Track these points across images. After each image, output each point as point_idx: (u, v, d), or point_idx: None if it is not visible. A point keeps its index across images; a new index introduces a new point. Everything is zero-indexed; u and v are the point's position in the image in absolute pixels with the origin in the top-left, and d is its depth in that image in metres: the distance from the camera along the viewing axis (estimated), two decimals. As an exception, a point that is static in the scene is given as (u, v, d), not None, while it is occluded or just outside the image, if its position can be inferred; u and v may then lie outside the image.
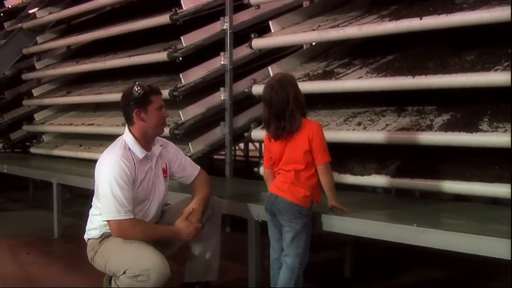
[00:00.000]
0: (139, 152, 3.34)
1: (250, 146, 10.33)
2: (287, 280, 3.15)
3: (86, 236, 3.48)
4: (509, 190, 3.34)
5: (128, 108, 3.34)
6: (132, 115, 3.32)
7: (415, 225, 2.92)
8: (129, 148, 3.33)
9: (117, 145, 3.36)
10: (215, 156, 8.85)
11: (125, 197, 3.20)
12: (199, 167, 3.72)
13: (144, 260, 3.13)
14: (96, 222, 3.39)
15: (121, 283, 3.20)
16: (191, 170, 3.66)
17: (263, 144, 3.43)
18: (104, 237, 3.36)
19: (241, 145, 10.47)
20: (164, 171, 3.52)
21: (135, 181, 3.29)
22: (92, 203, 3.47)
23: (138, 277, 3.10)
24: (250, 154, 10.05)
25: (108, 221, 3.24)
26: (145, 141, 3.38)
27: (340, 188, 3.32)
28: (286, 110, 3.06)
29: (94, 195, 3.43)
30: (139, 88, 3.30)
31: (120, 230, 3.24)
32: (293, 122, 3.07)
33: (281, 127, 3.08)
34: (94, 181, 3.38)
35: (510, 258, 2.58)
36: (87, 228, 3.47)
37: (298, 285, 3.17)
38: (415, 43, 4.35)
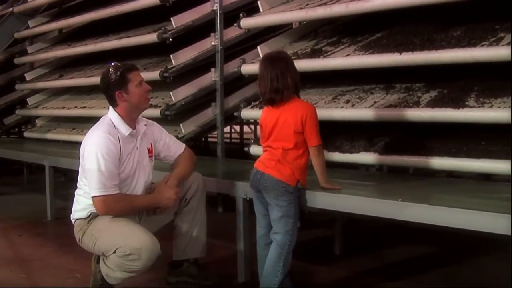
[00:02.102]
0: (124, 129, 3.33)
1: (246, 128, 10.35)
2: (277, 256, 3.16)
3: (72, 217, 3.47)
4: (497, 166, 3.36)
5: (109, 92, 3.34)
6: (115, 98, 3.32)
7: (400, 199, 2.92)
8: (114, 126, 3.33)
9: (102, 123, 3.37)
10: (210, 139, 8.88)
11: (110, 172, 3.21)
12: (184, 144, 3.72)
13: (135, 239, 3.14)
14: (82, 203, 3.39)
15: (111, 263, 3.22)
16: (176, 148, 3.66)
17: (258, 127, 3.46)
18: (92, 217, 3.36)
19: (237, 127, 10.50)
20: (150, 151, 3.52)
21: (120, 158, 3.29)
22: (78, 184, 3.46)
23: (129, 256, 3.12)
24: (246, 136, 10.07)
25: (93, 197, 3.23)
26: (130, 119, 3.39)
27: (332, 166, 3.32)
28: (279, 75, 3.08)
29: (79, 175, 3.43)
30: (114, 69, 3.30)
31: (105, 206, 3.24)
32: (286, 86, 3.08)
33: (275, 90, 3.08)
34: (80, 160, 3.38)
35: (488, 231, 2.60)
36: (73, 209, 3.47)
37: (287, 262, 3.18)
38: (403, 20, 4.34)
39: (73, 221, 3.47)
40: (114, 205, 3.26)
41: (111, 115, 3.37)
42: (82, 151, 3.32)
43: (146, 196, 3.47)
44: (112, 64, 3.35)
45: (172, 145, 3.65)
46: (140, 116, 3.49)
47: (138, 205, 3.40)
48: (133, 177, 3.40)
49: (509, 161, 3.22)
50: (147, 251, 3.12)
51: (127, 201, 3.35)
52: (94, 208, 3.30)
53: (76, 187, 3.48)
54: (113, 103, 3.36)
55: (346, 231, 4.36)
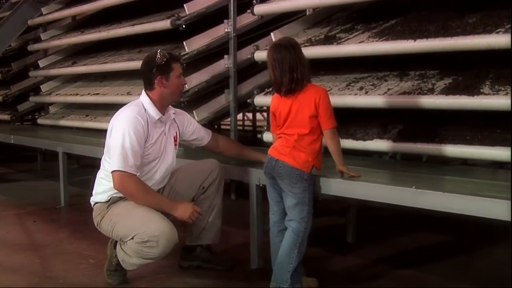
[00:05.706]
0: (154, 113, 3.41)
1: (258, 116, 10.35)
2: (292, 243, 3.16)
3: (92, 200, 3.52)
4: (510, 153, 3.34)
5: (150, 75, 3.42)
6: (154, 81, 3.41)
7: (414, 187, 2.91)
8: (145, 109, 3.40)
9: (133, 104, 3.46)
10: (223, 126, 8.89)
11: (134, 151, 3.26)
12: (210, 131, 3.86)
13: (153, 226, 3.18)
14: (103, 185, 3.44)
15: (128, 248, 3.27)
16: (205, 132, 3.80)
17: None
18: (111, 201, 3.41)
19: (250, 115, 10.49)
20: (175, 139, 3.59)
21: (147, 140, 3.35)
22: (101, 164, 3.50)
23: (147, 243, 3.16)
24: (258, 124, 10.06)
25: (112, 171, 3.27)
26: (161, 106, 3.47)
27: (345, 153, 3.32)
28: (298, 63, 3.08)
29: (103, 156, 3.47)
30: (162, 55, 3.38)
31: (122, 182, 3.27)
32: (304, 75, 3.09)
33: (295, 80, 3.08)
34: (105, 140, 3.43)
35: (497, 218, 2.59)
36: (94, 191, 3.51)
37: (302, 249, 3.18)
38: (418, 7, 4.30)
39: (92, 203, 3.52)
40: (129, 185, 3.28)
41: (143, 99, 3.45)
42: (110, 129, 3.38)
43: (165, 199, 3.50)
44: (159, 50, 3.43)
45: (201, 130, 3.79)
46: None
47: (153, 199, 3.37)
48: (157, 159, 3.46)
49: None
50: (164, 238, 3.16)
51: (145, 188, 3.36)
52: (115, 192, 3.35)
53: (97, 171, 3.54)
54: (150, 86, 3.44)
55: (359, 219, 4.36)
